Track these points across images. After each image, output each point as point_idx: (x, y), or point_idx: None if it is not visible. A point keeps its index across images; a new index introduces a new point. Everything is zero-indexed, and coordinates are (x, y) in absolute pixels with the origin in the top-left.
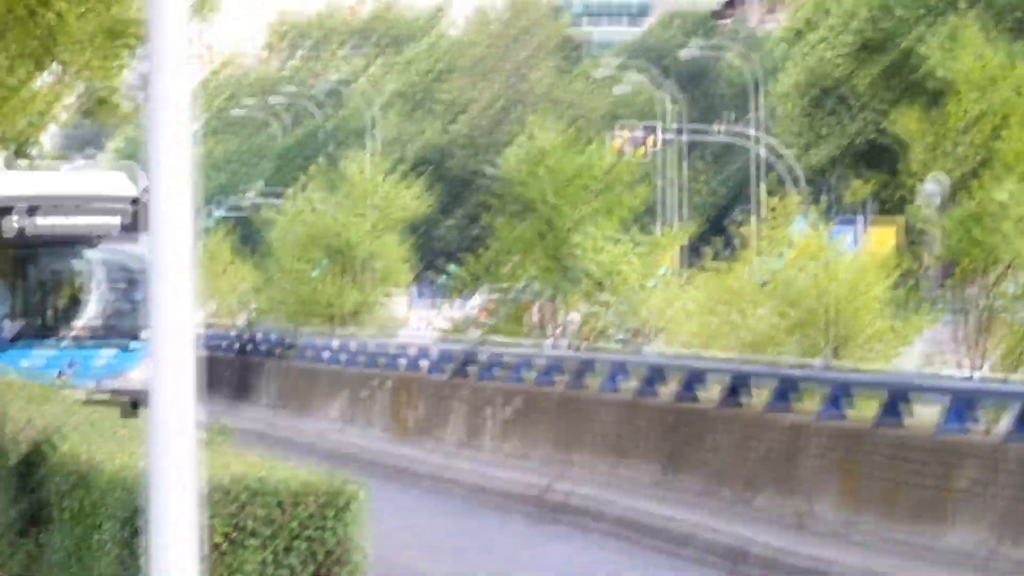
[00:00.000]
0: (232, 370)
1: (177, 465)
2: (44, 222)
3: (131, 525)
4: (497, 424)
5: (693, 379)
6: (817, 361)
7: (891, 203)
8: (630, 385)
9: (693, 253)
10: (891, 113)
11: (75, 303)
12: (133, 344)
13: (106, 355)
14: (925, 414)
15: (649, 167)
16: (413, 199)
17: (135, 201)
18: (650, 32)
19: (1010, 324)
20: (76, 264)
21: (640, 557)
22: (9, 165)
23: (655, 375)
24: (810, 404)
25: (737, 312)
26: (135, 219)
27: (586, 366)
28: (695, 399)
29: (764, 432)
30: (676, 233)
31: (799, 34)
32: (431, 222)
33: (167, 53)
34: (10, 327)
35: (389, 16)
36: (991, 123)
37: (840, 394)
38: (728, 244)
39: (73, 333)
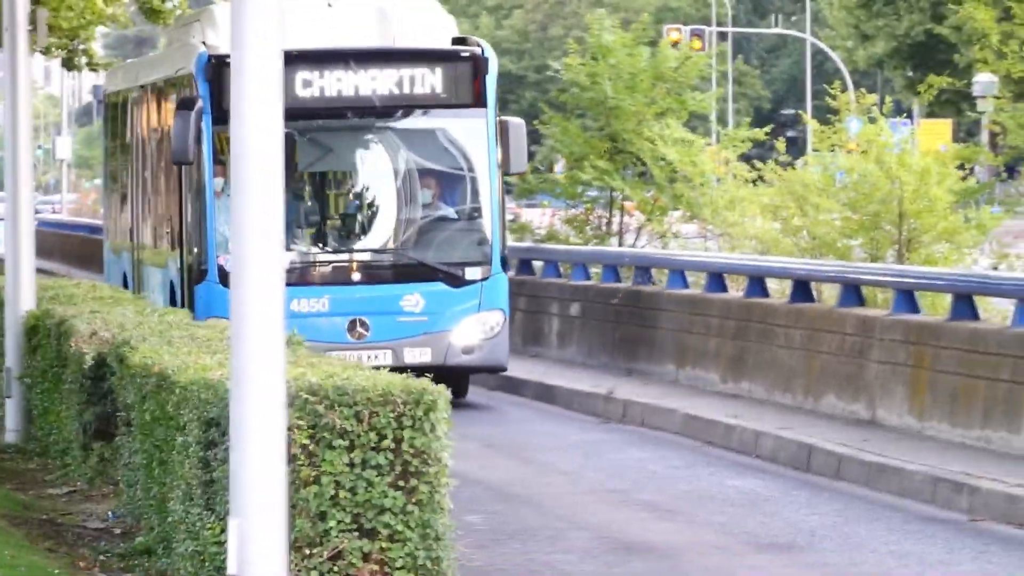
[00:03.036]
0: None
1: (262, 368)
2: (331, 84)
3: (216, 426)
4: (561, 323)
5: (762, 276)
6: (888, 260)
7: (937, 104)
8: (698, 282)
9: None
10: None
11: (375, 212)
12: (463, 277)
13: (415, 298)
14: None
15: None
16: None
17: (462, 43)
18: None
19: None
20: (380, 149)
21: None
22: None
23: (722, 273)
24: (883, 303)
25: (801, 214)
26: (473, 78)
27: (651, 264)
28: (765, 294)
29: (834, 326)
30: (747, 133)
31: None
32: None
33: None
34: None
35: None
36: None
37: (914, 289)
38: (786, 144)
39: (369, 261)
